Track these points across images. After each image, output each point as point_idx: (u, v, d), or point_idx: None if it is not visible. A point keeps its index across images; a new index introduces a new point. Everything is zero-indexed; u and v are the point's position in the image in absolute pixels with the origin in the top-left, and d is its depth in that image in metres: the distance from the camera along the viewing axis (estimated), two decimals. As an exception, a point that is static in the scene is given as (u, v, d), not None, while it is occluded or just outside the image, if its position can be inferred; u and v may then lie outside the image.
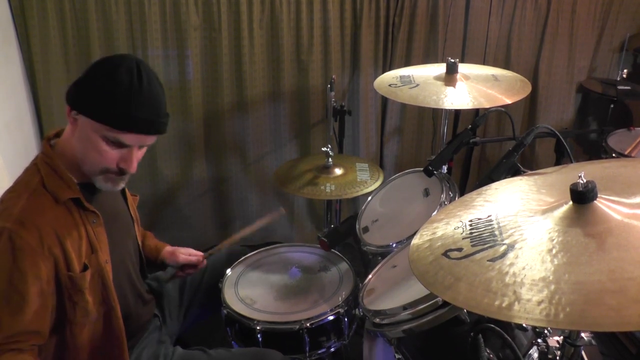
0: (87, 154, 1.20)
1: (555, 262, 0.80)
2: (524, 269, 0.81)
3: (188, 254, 1.66)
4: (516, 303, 0.76)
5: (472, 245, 0.92)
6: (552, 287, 0.76)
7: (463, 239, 0.96)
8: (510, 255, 0.86)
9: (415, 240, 1.04)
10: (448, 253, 0.94)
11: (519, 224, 0.94)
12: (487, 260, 0.87)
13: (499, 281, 0.81)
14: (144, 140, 1.22)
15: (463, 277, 0.85)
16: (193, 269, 1.67)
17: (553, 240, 0.85)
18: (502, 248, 0.88)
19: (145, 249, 1.61)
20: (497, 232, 0.94)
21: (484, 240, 0.93)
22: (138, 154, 1.23)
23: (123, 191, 1.46)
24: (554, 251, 0.83)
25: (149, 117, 1.18)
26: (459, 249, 0.93)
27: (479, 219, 1.02)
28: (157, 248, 1.65)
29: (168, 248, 1.66)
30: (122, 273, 1.39)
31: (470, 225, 1.00)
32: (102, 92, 1.14)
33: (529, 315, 0.73)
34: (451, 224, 1.04)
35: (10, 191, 1.21)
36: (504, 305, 0.76)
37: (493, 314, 0.77)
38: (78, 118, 1.18)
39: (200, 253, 1.68)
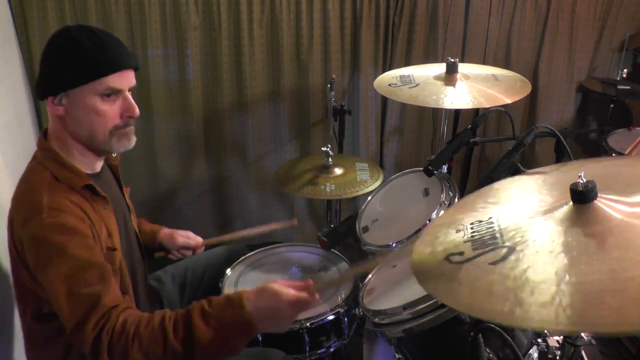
0: (92, 125, 1.22)
1: (557, 263, 0.80)
2: (525, 271, 0.81)
3: (187, 237, 1.66)
4: (518, 307, 0.75)
5: (474, 249, 0.92)
6: (554, 289, 0.75)
7: (464, 242, 0.96)
8: (512, 257, 0.85)
9: (418, 245, 1.04)
10: (450, 257, 0.93)
11: (520, 225, 0.93)
12: (489, 264, 0.86)
13: (500, 285, 0.80)
14: (130, 78, 1.25)
15: (465, 282, 0.85)
16: (189, 252, 1.67)
17: (554, 241, 0.85)
18: (504, 251, 0.88)
19: (141, 235, 1.61)
20: (498, 235, 0.93)
21: (485, 244, 0.92)
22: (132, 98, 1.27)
23: (118, 181, 1.47)
24: (554, 252, 0.82)
25: (122, 51, 1.22)
26: (461, 253, 0.93)
27: (480, 221, 1.01)
28: (152, 231, 1.64)
29: (165, 230, 1.66)
30: (129, 262, 1.39)
31: (472, 228, 1.00)
32: (75, 57, 1.17)
33: (530, 319, 0.73)
34: (452, 227, 1.04)
35: (24, 192, 1.20)
36: (505, 310, 0.76)
37: (496, 319, 0.76)
38: (65, 101, 1.20)
39: (200, 238, 1.68)
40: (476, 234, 0.97)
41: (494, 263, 0.86)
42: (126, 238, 1.39)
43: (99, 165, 1.33)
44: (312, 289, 1.14)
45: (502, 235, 0.92)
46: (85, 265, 1.11)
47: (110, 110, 1.22)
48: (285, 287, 1.12)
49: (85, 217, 1.18)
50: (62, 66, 1.18)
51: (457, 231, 1.01)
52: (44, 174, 1.20)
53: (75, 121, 1.22)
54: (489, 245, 0.91)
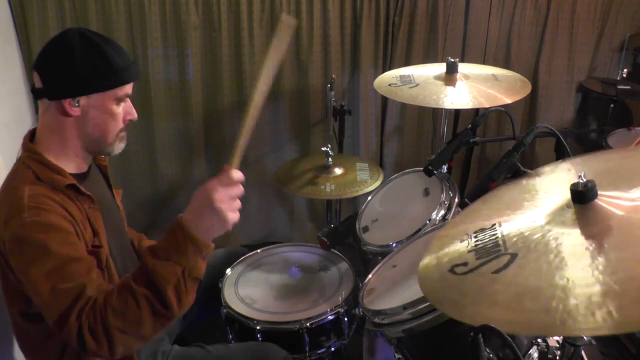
0: (107, 126, 1.27)
1: (558, 267, 0.80)
2: (527, 278, 0.81)
3: None
4: (520, 315, 0.75)
5: (477, 258, 0.92)
6: (557, 293, 0.75)
7: (468, 252, 0.96)
8: (514, 264, 0.85)
9: (425, 258, 1.04)
10: (454, 269, 0.93)
11: (522, 230, 0.93)
12: (492, 272, 0.86)
13: (503, 293, 0.81)
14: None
15: (469, 293, 0.85)
16: None
17: (556, 245, 0.84)
18: (506, 258, 0.88)
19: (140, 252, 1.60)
20: (500, 242, 0.93)
21: (488, 252, 0.92)
22: None
23: (109, 183, 1.47)
24: (557, 257, 0.82)
25: (132, 62, 1.30)
26: (465, 264, 0.92)
27: (484, 229, 1.01)
28: None
29: None
30: (119, 262, 1.39)
31: (476, 237, 1.00)
32: (105, 64, 1.21)
33: (533, 326, 0.73)
34: (457, 237, 1.04)
35: (5, 192, 1.19)
36: (509, 318, 0.76)
37: (499, 327, 0.77)
38: (83, 102, 1.21)
39: None
40: (479, 242, 0.97)
41: (497, 271, 0.86)
42: (115, 237, 1.39)
43: (86, 165, 1.34)
44: (227, 168, 1.21)
45: (504, 242, 0.92)
46: (68, 261, 1.10)
47: (120, 114, 1.28)
48: (209, 182, 1.16)
49: (68, 215, 1.17)
50: (92, 71, 1.20)
51: (462, 241, 1.01)
52: (26, 173, 1.19)
53: (91, 122, 1.25)
54: (492, 254, 0.91)
